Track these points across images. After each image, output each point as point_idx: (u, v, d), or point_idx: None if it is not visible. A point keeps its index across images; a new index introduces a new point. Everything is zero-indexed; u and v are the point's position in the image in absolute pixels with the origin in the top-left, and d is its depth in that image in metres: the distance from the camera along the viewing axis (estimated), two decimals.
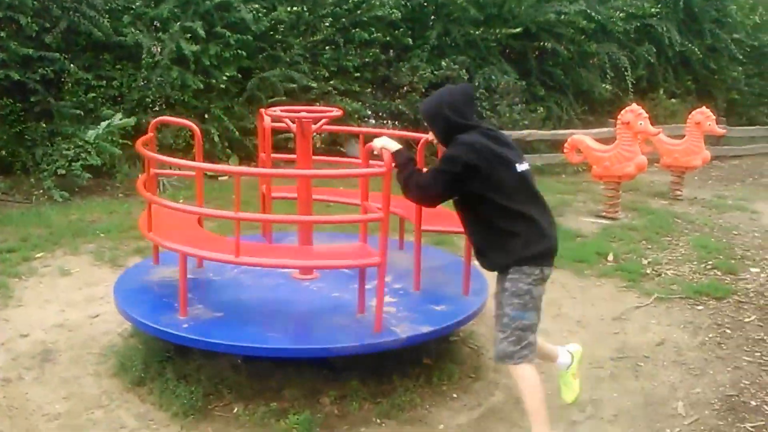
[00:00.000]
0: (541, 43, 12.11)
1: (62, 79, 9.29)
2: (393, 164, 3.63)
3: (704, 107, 9.60)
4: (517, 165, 3.43)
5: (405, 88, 11.85)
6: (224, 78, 10.02)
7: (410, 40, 11.60)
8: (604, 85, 12.58)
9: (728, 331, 5.07)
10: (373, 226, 3.95)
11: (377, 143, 3.74)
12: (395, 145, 3.68)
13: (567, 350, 3.94)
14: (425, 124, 3.60)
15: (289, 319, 4.04)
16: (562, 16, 12.00)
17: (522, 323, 3.45)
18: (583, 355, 3.96)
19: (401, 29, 11.49)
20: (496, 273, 3.61)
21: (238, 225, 3.79)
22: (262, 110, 4.83)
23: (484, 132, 3.45)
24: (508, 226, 3.41)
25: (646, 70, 13.47)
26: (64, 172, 8.58)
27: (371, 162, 4.16)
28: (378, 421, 3.78)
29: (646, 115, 7.92)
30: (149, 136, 4.66)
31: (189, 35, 9.65)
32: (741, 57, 14.37)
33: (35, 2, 8.69)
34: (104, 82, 9.44)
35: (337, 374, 4.14)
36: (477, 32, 11.63)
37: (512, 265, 3.44)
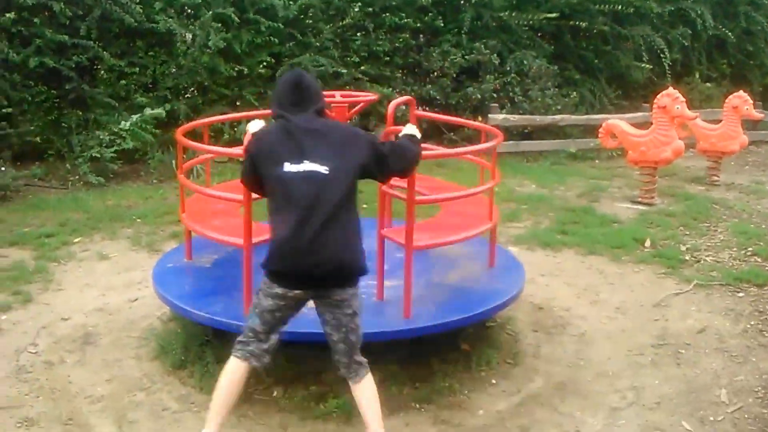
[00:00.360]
0: (576, 23, 11.92)
1: (96, 67, 9.36)
2: None
3: (741, 91, 9.42)
4: (287, 164, 3.03)
5: (435, 73, 11.76)
6: (257, 65, 10.03)
7: (441, 23, 11.51)
8: (642, 65, 12.35)
9: None
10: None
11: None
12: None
13: None
14: None
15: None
16: (597, 5, 11.80)
17: (248, 321, 3.26)
18: None
19: (431, 13, 11.40)
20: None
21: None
22: None
23: (284, 124, 3.15)
24: (271, 226, 3.17)
25: (681, 53, 13.25)
26: (98, 156, 8.65)
27: None
28: (417, 406, 3.78)
29: (683, 99, 7.80)
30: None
31: (219, 23, 9.66)
32: None
33: None
34: (137, 69, 9.48)
35: (375, 358, 4.13)
36: (509, 16, 11.51)
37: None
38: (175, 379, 4.00)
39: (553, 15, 11.50)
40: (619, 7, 11.93)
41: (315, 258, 2.99)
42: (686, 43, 13.12)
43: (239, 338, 3.26)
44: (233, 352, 3.26)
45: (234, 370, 3.23)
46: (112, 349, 4.37)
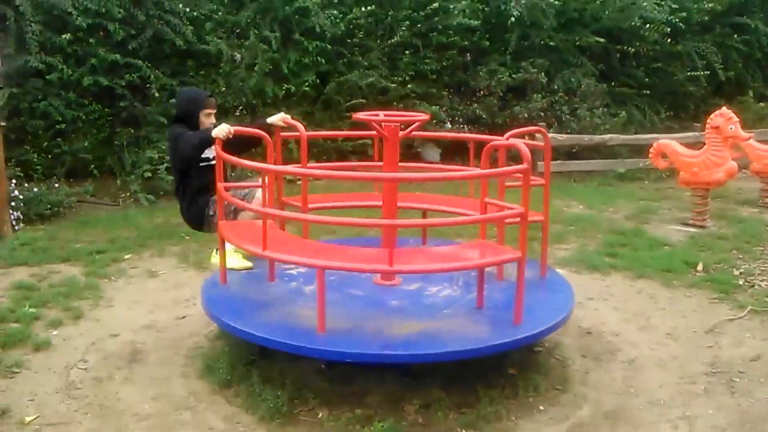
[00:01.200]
0: (625, 47, 11.82)
1: (147, 85, 9.56)
2: None
3: None
4: None
5: (482, 92, 11.74)
6: (304, 85, 10.13)
7: (488, 43, 11.50)
8: (698, 73, 12.14)
9: None
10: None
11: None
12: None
13: None
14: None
15: (424, 324, 4.01)
16: (648, 25, 11.67)
17: None
18: None
19: (479, 33, 11.40)
20: None
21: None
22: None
23: None
24: None
25: (734, 69, 13.00)
26: (149, 175, 8.82)
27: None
28: (463, 431, 3.73)
29: (737, 119, 7.63)
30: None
31: (267, 45, 9.79)
32: None
33: (121, 10, 8.96)
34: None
35: (419, 382, 4.11)
36: (557, 37, 11.45)
37: None
38: (222, 398, 4.02)
39: (601, 40, 11.42)
40: (671, 22, 11.76)
41: None
42: (739, 58, 12.85)
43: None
44: None
45: None
46: (160, 367, 4.41)
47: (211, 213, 4.96)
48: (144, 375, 4.32)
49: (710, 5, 12.32)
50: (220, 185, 4.41)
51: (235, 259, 4.83)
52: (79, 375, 4.30)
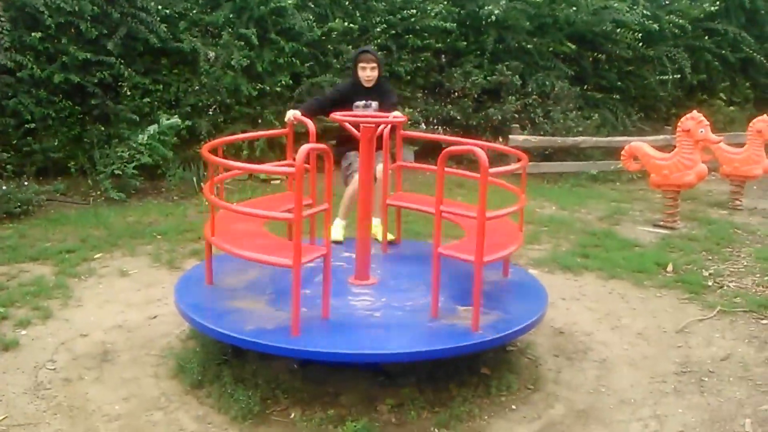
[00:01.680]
0: (596, 54, 11.96)
1: (120, 84, 9.46)
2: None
3: (765, 115, 9.34)
4: None
5: (457, 93, 11.79)
6: (277, 84, 10.09)
7: (464, 44, 11.54)
8: (665, 77, 12.30)
9: None
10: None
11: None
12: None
13: None
14: (375, 63, 5.72)
15: (374, 326, 4.01)
16: (619, 30, 11.79)
17: None
18: None
19: (454, 34, 11.43)
20: None
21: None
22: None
23: None
24: None
25: (705, 73, 13.18)
26: (120, 173, 8.72)
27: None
28: (436, 431, 3.72)
29: (707, 122, 7.74)
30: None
31: (243, 42, 9.74)
32: None
33: (94, 8, 8.84)
34: (160, 86, 9.58)
35: (392, 381, 4.11)
36: (531, 40, 11.53)
37: None
38: (193, 398, 3.98)
39: (573, 47, 11.53)
40: (642, 27, 11.91)
41: None
42: (713, 61, 13.03)
43: None
44: None
45: None
46: (131, 367, 4.36)
47: (344, 165, 5.97)
48: (114, 375, 4.26)
49: (681, 21, 12.51)
50: None
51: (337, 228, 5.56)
52: (48, 375, 4.23)
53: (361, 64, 5.70)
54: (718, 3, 13.01)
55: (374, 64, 5.70)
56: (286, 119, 5.42)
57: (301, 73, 10.52)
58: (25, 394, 4.01)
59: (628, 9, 11.81)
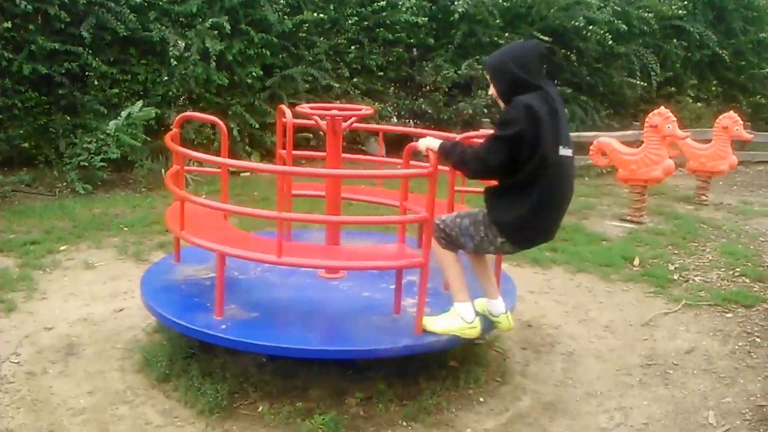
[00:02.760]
0: (567, 52, 12.03)
1: (87, 73, 9.31)
2: (441, 160, 3.61)
3: (732, 111, 9.48)
4: (561, 147, 3.40)
5: (428, 87, 11.80)
6: (248, 75, 10.02)
7: (433, 40, 11.55)
8: (635, 81, 12.42)
9: (758, 339, 4.97)
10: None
11: (422, 144, 3.72)
12: (437, 141, 3.68)
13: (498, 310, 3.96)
14: (487, 77, 3.58)
15: (327, 320, 4.01)
16: (591, 26, 11.87)
17: (458, 236, 3.66)
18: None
19: (424, 28, 11.44)
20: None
21: (279, 224, 3.79)
22: (287, 107, 4.74)
23: (546, 99, 3.37)
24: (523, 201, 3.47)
25: (672, 70, 13.34)
26: (86, 164, 8.60)
27: (412, 162, 4.18)
28: (404, 423, 3.73)
29: (675, 118, 7.83)
30: (174, 131, 4.54)
31: (216, 31, 9.65)
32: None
33: None
34: (129, 76, 9.44)
35: (362, 374, 4.10)
36: (503, 35, 11.56)
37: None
38: (159, 392, 3.94)
39: (547, 39, 11.58)
40: (611, 27, 12.00)
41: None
42: (678, 63, 13.21)
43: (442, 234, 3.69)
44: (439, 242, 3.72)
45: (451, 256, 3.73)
46: (96, 361, 4.31)
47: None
48: (79, 369, 4.21)
49: (649, 16, 12.62)
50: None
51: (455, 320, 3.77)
52: (12, 369, 4.16)
53: None
54: (686, 2, 13.17)
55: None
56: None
57: (272, 65, 10.46)
58: None
59: (599, 5, 11.89)
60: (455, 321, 3.73)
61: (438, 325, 3.73)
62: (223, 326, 3.75)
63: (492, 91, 3.59)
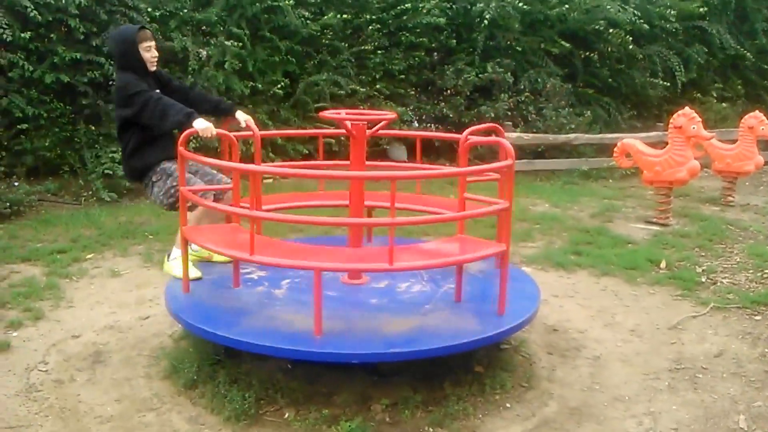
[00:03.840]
0: (588, 53, 11.96)
1: (110, 83, 9.40)
2: None
3: (757, 111, 9.37)
4: None
5: (449, 91, 11.78)
6: (272, 84, 10.07)
7: (455, 42, 11.54)
8: (657, 80, 12.32)
9: None
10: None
11: None
12: None
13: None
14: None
15: (400, 321, 3.99)
16: (611, 30, 11.79)
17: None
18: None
19: (446, 32, 11.43)
20: None
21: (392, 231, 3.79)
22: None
23: None
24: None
25: (696, 72, 13.22)
26: (111, 172, 8.68)
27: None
28: (430, 430, 3.71)
29: (699, 119, 7.75)
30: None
31: (235, 42, 9.71)
32: None
33: (82, 2, 8.71)
34: None
35: (387, 380, 4.09)
36: (523, 39, 11.53)
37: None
38: (186, 399, 3.96)
39: (566, 45, 11.53)
40: (633, 27, 11.92)
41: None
42: (702, 61, 13.08)
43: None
44: None
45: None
46: (123, 368, 4.34)
47: (154, 179, 4.68)
48: (106, 376, 4.24)
49: (672, 16, 12.52)
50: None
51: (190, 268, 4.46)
52: (40, 377, 4.21)
53: (144, 44, 4.61)
54: (706, 5, 13.06)
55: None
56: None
57: (295, 72, 10.50)
58: (17, 396, 3.99)
59: (620, 9, 11.80)
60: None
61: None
62: (320, 341, 3.72)
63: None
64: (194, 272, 4.51)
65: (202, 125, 4.34)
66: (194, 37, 9.72)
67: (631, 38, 11.89)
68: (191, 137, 4.74)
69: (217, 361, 4.23)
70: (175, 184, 4.54)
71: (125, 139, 4.67)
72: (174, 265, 4.60)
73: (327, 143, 10.38)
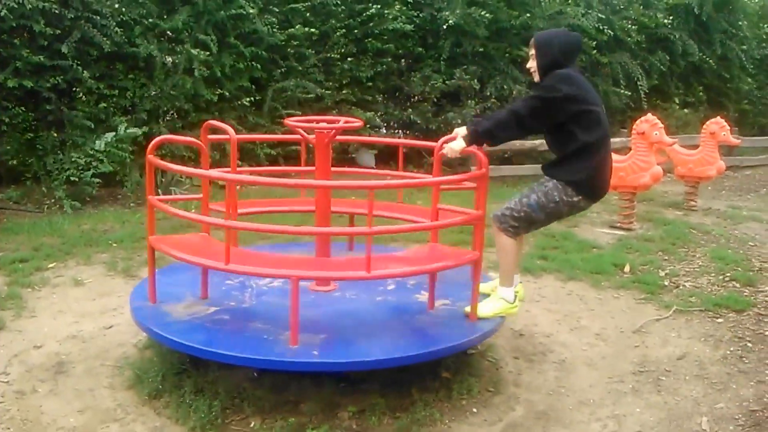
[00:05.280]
0: None
1: (74, 89, 9.28)
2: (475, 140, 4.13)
3: (718, 117, 9.54)
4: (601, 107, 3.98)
5: (416, 97, 11.82)
6: (237, 89, 10.04)
7: (422, 50, 11.58)
8: (619, 90, 12.50)
9: (749, 344, 4.98)
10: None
11: (450, 149, 4.29)
12: (461, 142, 4.20)
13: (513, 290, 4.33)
14: (531, 51, 4.05)
15: (379, 328, 4.04)
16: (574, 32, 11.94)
17: (530, 213, 4.09)
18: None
19: (412, 39, 11.48)
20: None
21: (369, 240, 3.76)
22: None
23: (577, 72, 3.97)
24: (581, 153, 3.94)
25: (659, 79, 13.42)
26: (75, 179, 8.56)
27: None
28: None
29: (662, 125, 7.87)
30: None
31: (201, 49, 9.65)
32: (751, 68, 14.36)
33: (46, 4, 8.58)
34: (116, 91, 9.41)
35: (354, 387, 4.09)
36: (489, 45, 11.61)
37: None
38: (150, 409, 3.91)
39: (530, 52, 11.62)
40: (597, 33, 12.08)
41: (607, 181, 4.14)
42: (664, 69, 13.29)
43: (515, 222, 4.15)
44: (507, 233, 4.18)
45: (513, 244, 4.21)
46: (86, 378, 4.27)
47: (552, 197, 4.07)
48: (69, 387, 4.17)
49: (633, 28, 12.73)
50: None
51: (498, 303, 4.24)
52: (1, 388, 4.12)
53: None
54: (671, 15, 13.28)
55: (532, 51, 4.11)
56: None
57: (262, 78, 10.46)
58: None
59: (582, 14, 11.96)
60: (499, 304, 4.22)
61: (488, 310, 4.19)
62: (314, 351, 3.68)
63: (531, 63, 4.08)
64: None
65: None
66: (160, 44, 9.63)
67: (594, 43, 12.03)
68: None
69: (182, 370, 4.18)
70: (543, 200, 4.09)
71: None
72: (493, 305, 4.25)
73: (297, 149, 10.37)
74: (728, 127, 9.33)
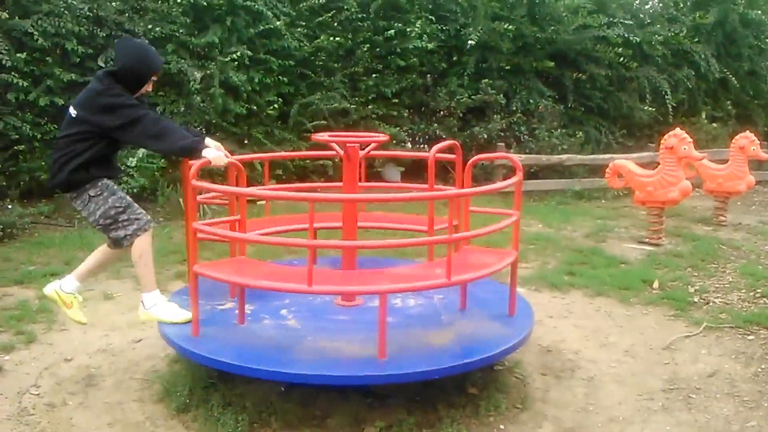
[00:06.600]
0: (578, 75, 12.07)
1: None
2: None
3: (748, 131, 9.44)
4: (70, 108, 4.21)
5: (442, 112, 11.85)
6: (266, 105, 10.15)
7: (445, 65, 11.63)
8: (644, 107, 12.44)
9: None
10: None
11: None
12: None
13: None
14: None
15: (421, 338, 4.07)
16: (598, 46, 11.92)
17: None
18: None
19: (437, 55, 11.52)
20: None
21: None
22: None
23: None
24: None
25: (686, 93, 13.33)
26: None
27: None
28: None
29: (690, 140, 7.81)
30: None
31: (236, 63, 9.78)
32: None
33: (81, 29, 8.78)
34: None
35: (381, 402, 4.08)
36: (514, 60, 11.63)
37: None
38: (179, 423, 3.94)
39: (551, 64, 11.65)
40: (621, 50, 12.04)
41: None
42: (690, 85, 13.20)
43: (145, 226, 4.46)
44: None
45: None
46: (115, 391, 4.32)
47: (92, 194, 4.30)
48: (99, 400, 4.22)
49: (659, 42, 12.67)
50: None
51: (171, 309, 4.32)
52: (32, 401, 4.18)
53: (154, 78, 4.43)
54: (693, 35, 13.21)
55: None
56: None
57: (290, 93, 10.56)
58: (9, 420, 3.96)
59: (608, 23, 11.95)
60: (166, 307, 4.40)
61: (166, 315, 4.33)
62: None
63: None
64: (183, 313, 4.26)
65: (212, 154, 4.14)
66: (191, 60, 9.77)
67: (620, 50, 11.98)
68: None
69: (210, 384, 4.21)
70: (117, 205, 4.35)
71: (79, 149, 4.16)
72: (157, 311, 4.34)
73: (324, 163, 10.46)
74: (758, 142, 9.23)
